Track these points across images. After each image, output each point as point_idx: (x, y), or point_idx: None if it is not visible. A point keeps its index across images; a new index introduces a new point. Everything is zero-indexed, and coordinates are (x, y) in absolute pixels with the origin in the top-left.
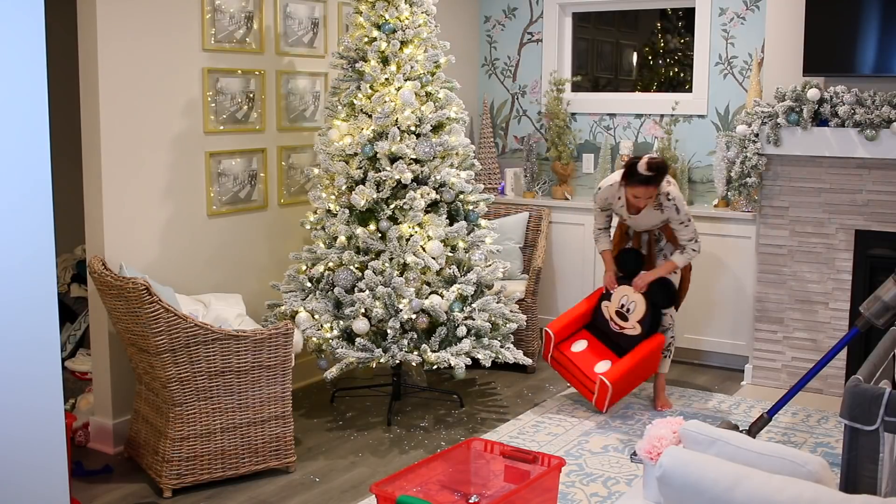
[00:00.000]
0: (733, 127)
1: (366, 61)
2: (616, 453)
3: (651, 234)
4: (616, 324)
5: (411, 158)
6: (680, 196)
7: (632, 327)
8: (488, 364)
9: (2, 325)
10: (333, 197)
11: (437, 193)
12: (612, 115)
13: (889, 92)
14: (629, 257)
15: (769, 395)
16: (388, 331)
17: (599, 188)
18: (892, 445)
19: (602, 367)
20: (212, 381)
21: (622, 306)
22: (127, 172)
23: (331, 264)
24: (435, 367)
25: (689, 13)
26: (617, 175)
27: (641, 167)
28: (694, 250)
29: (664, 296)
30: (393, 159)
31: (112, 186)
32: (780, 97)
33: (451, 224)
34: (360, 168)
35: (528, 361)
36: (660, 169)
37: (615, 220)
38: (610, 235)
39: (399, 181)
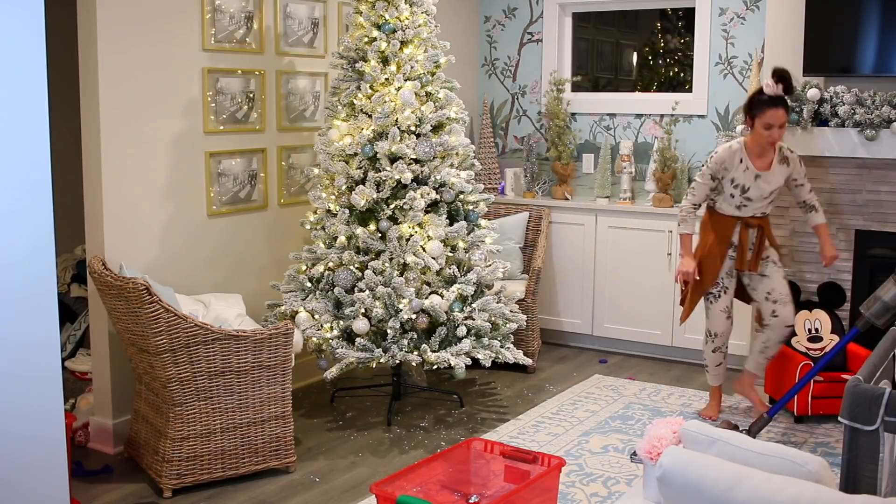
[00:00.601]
0: (733, 127)
1: (366, 61)
2: (616, 453)
3: (762, 230)
4: (813, 349)
5: (411, 158)
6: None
7: (829, 342)
8: (488, 364)
9: (2, 325)
10: (333, 197)
11: (437, 193)
12: (612, 115)
13: (889, 92)
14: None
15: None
16: (388, 331)
17: (713, 153)
18: (892, 445)
19: None
20: (212, 381)
21: (809, 331)
22: (127, 172)
23: (331, 264)
24: (435, 367)
25: (689, 13)
26: (733, 142)
27: (769, 88)
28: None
29: (836, 295)
30: (393, 159)
31: (112, 186)
32: None
33: (451, 224)
34: (360, 168)
35: (528, 361)
36: (785, 79)
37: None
38: (696, 221)
39: (399, 181)
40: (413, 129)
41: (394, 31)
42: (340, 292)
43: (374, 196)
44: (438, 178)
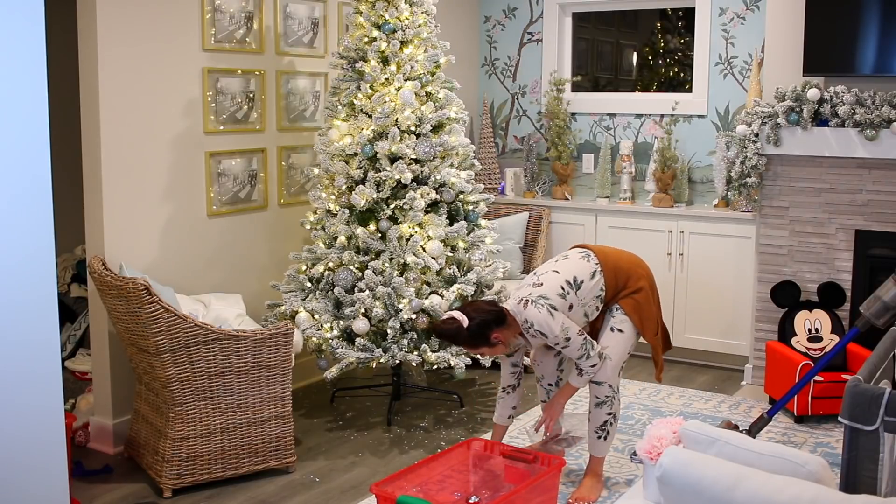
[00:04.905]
0: (733, 127)
1: (366, 61)
2: (616, 453)
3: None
4: (813, 349)
5: (411, 158)
6: (542, 319)
7: (829, 342)
8: (488, 364)
9: (2, 325)
10: (333, 197)
11: (437, 193)
12: (612, 115)
13: (889, 92)
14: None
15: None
16: (388, 331)
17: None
18: (892, 445)
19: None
20: (212, 381)
21: (809, 331)
22: (127, 172)
23: (331, 264)
24: (435, 367)
25: (689, 13)
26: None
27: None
28: (592, 366)
29: (836, 295)
30: (393, 159)
31: (112, 186)
32: (780, 97)
33: (451, 224)
34: (360, 168)
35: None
36: (439, 333)
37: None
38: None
39: (399, 181)
40: (413, 129)
41: (394, 31)
42: (340, 292)
43: (374, 196)
44: (438, 178)
